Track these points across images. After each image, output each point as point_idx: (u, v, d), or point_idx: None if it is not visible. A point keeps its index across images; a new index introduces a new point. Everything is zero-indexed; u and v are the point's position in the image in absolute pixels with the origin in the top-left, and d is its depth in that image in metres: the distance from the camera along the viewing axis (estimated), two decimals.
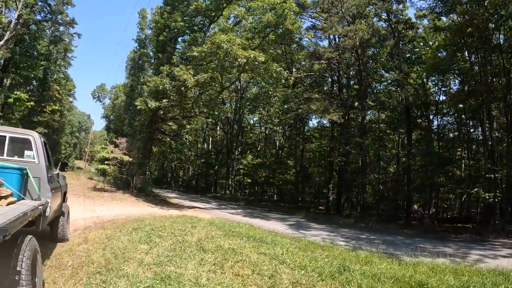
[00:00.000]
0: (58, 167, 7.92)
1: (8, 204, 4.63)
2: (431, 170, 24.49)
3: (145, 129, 26.98)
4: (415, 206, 29.07)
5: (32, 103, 32.58)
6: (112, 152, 25.96)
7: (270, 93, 34.75)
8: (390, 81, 30.09)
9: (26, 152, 6.13)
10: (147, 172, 36.95)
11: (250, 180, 40.72)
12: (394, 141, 31.98)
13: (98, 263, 6.32)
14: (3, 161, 5.60)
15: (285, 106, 34.00)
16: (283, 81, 29.25)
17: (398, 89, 27.43)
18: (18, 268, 3.67)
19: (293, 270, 6.44)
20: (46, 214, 5.81)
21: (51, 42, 42.47)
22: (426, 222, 23.03)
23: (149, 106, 21.83)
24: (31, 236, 4.28)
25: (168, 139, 33.90)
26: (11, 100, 30.01)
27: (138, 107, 23.46)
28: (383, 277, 6.18)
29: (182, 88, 21.13)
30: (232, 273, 6.15)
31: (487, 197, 19.80)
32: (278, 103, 35.92)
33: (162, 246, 7.76)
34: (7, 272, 3.62)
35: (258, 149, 47.17)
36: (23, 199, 5.45)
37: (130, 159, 25.05)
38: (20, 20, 27.66)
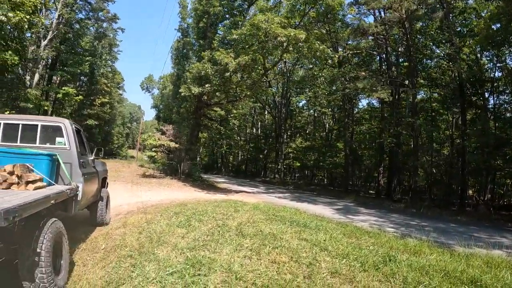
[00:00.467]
0: (94, 153, 7.94)
1: (36, 188, 4.85)
2: (487, 152, 22.29)
3: (191, 115, 27.07)
4: (470, 192, 27.15)
5: (80, 97, 33.33)
6: (159, 139, 26.10)
7: (316, 73, 34.03)
8: (441, 56, 27.87)
9: (58, 139, 6.26)
10: (198, 158, 36.99)
11: (299, 164, 40.06)
12: (448, 122, 29.95)
13: (131, 246, 6.32)
14: (35, 149, 5.88)
15: (333, 88, 33.20)
16: (329, 61, 28.33)
17: (450, 63, 25.32)
18: (38, 250, 3.92)
19: (333, 258, 6.10)
20: (78, 199, 6.05)
21: (96, 38, 44.22)
22: (481, 209, 21.26)
23: (193, 92, 21.88)
24: (54, 219, 4.54)
25: (216, 125, 34.00)
26: (60, 95, 31.26)
27: (182, 94, 23.42)
28: (432, 270, 5.65)
29: (224, 72, 20.73)
30: (268, 259, 5.86)
31: None
32: (324, 84, 35.15)
33: (200, 230, 7.62)
34: (28, 254, 3.88)
35: (307, 132, 46.53)
36: (53, 184, 5.62)
37: (177, 146, 25.18)
38: (61, 20, 28.64)
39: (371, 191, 33.60)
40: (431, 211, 19.65)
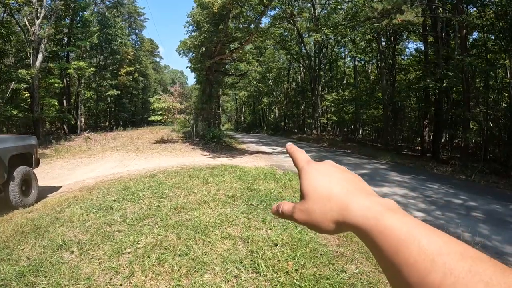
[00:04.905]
0: None
1: None
2: None
3: (202, 72, 24.82)
4: None
5: (92, 69, 32.92)
6: (164, 101, 24.37)
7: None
8: None
9: None
10: (220, 117, 34.93)
11: (336, 118, 36.20)
12: (507, 67, 23.82)
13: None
14: None
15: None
16: None
17: None
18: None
19: None
20: None
21: (108, 8, 44.60)
22: None
23: (187, 43, 20.85)
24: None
25: (231, 80, 31.89)
26: (70, 70, 30.04)
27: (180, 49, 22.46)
28: None
29: (213, 16, 18.84)
30: None
31: None
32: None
33: (106, 218, 6.32)
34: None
35: (344, 82, 42.67)
36: None
37: (182, 106, 23.47)
38: None
39: (417, 148, 29.22)
40: (485, 178, 14.74)
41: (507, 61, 21.15)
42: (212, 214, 6.50)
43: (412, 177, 14.15)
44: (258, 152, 20.94)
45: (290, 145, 0.75)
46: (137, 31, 61.87)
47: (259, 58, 30.86)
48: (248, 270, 4.31)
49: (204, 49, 22.24)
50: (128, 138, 27.97)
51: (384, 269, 0.45)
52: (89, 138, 25.84)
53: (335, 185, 0.57)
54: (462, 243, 0.41)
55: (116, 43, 43.65)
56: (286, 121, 53.10)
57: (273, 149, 23.26)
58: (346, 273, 4.32)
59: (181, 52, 24.28)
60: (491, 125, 20.87)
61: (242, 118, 72.33)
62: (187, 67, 44.88)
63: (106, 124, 46.21)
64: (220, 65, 25.85)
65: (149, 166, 14.11)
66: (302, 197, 0.60)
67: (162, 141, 24.11)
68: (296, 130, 47.08)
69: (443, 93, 22.64)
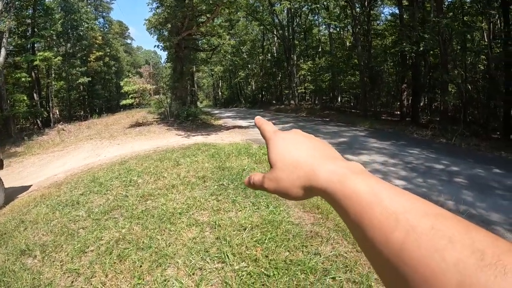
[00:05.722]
0: None
1: None
2: None
3: (171, 50, 24.23)
4: None
5: (60, 58, 31.95)
6: (134, 83, 23.48)
7: None
8: None
9: None
10: (191, 94, 34.36)
11: (312, 87, 35.93)
12: (483, 30, 23.66)
13: None
14: None
15: None
16: None
17: None
18: None
19: None
20: None
21: None
22: None
23: (152, 21, 20.52)
24: None
25: (204, 55, 31.25)
26: (37, 62, 28.74)
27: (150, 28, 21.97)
28: None
29: None
30: None
31: None
32: None
33: (71, 215, 5.95)
34: None
35: (319, 50, 41.99)
36: None
37: (153, 87, 22.69)
38: None
39: (397, 113, 28.99)
40: (466, 141, 14.45)
41: (484, 24, 20.97)
42: (180, 199, 6.19)
43: (392, 143, 13.88)
44: (234, 127, 20.59)
45: (257, 118, 0.76)
46: (104, 13, 60.08)
47: (230, 31, 30.11)
48: (214, 260, 4.02)
49: (170, 25, 21.53)
50: (103, 125, 27.27)
51: (352, 230, 0.46)
52: (63, 130, 25.12)
53: (301, 153, 0.58)
54: (426, 201, 0.42)
55: (82, 28, 42.05)
56: (263, 93, 52.87)
57: (250, 122, 22.75)
58: (320, 256, 4.00)
59: (152, 31, 23.59)
60: (470, 87, 20.67)
61: (220, 93, 71.53)
62: (154, 46, 43.74)
63: (81, 113, 45.04)
64: (190, 41, 24.95)
65: (121, 152, 13.62)
66: (271, 166, 0.61)
67: (137, 124, 23.47)
68: (274, 102, 46.88)
69: (420, 56, 22.36)
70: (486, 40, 20.48)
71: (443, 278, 0.33)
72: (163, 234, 4.79)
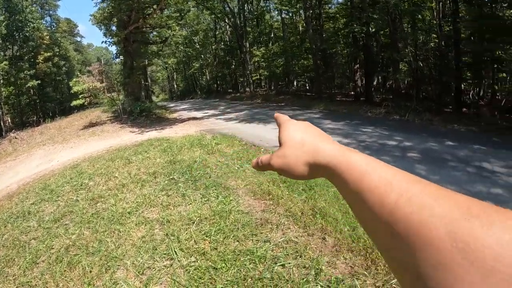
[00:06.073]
0: None
1: None
2: (487, 39, 16.76)
3: (120, 45, 23.59)
4: (465, 87, 21.25)
5: (5, 62, 31.31)
6: (84, 82, 22.51)
7: None
8: None
9: None
10: (143, 88, 33.64)
11: (266, 73, 36.09)
12: (434, 9, 24.09)
13: None
14: None
15: None
16: None
17: None
18: None
19: None
20: None
21: None
22: (484, 113, 15.93)
23: (97, 17, 19.95)
24: None
25: (155, 48, 30.78)
26: None
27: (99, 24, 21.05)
28: None
29: None
30: None
31: None
32: None
33: (22, 226, 5.72)
34: None
35: (272, 36, 42.24)
36: None
37: (103, 85, 21.96)
38: None
39: (351, 93, 28.90)
40: (419, 116, 14.87)
41: (433, 4, 21.47)
42: (130, 198, 6.06)
43: (346, 123, 14.06)
44: (189, 119, 20.31)
45: (276, 114, 0.80)
46: (51, 12, 57.90)
47: (180, 22, 29.60)
48: (162, 258, 3.94)
49: (115, 19, 20.92)
50: (56, 129, 26.20)
51: (349, 198, 0.51)
52: (15, 138, 24.12)
53: (308, 135, 0.65)
54: (409, 173, 0.47)
55: (28, 29, 40.07)
56: (218, 82, 52.57)
57: (205, 113, 22.68)
58: (270, 243, 3.96)
59: (100, 27, 22.91)
60: (422, 65, 21.24)
61: (175, 86, 70.42)
62: (102, 42, 42.60)
63: (34, 118, 43.32)
64: (138, 35, 24.30)
65: (74, 155, 13.20)
66: (280, 145, 0.68)
67: (91, 125, 22.68)
68: (230, 90, 46.66)
69: (371, 37, 22.68)
70: (437, 19, 20.99)
71: (433, 229, 0.36)
72: (113, 236, 4.67)
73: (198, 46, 50.13)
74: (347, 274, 3.37)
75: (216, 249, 3.93)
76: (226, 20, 42.08)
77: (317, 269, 3.40)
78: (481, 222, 0.34)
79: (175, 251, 3.97)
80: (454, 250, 0.34)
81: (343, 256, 3.64)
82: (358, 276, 3.31)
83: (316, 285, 3.21)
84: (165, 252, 4.03)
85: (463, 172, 6.77)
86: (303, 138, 0.64)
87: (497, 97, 20.63)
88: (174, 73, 68.32)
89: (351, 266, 3.50)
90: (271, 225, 4.43)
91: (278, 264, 3.53)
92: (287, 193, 5.53)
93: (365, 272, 3.37)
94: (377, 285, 3.21)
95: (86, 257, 4.17)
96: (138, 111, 21.53)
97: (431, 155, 8.18)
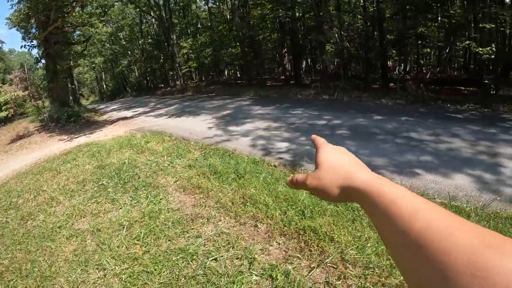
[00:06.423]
0: None
1: None
2: (410, 16, 18.12)
3: (40, 48, 22.25)
4: (390, 64, 22.12)
5: None
6: (6, 93, 21.11)
7: None
8: None
9: None
10: (72, 91, 32.36)
11: (196, 64, 35.89)
12: None
13: None
14: None
15: None
16: None
17: None
18: None
19: None
20: None
21: None
22: (410, 86, 16.29)
23: (13, 20, 19.30)
24: None
25: (80, 48, 29.39)
26: None
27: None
28: None
29: None
30: None
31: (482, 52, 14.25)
32: None
33: None
34: None
35: (199, 26, 41.86)
36: None
37: (25, 93, 20.52)
38: None
39: (281, 78, 29.25)
40: (348, 94, 15.43)
41: None
42: (59, 211, 5.68)
43: (276, 107, 14.18)
44: (119, 119, 19.68)
45: (313, 136, 0.85)
46: None
47: (102, 18, 28.45)
48: (95, 269, 3.74)
49: (33, 21, 19.77)
50: None
51: (379, 223, 0.54)
52: None
53: (343, 160, 0.70)
54: (431, 202, 0.51)
55: None
56: (148, 78, 51.52)
57: (135, 111, 22.10)
58: (202, 238, 3.89)
59: (19, 30, 21.57)
60: (348, 45, 21.80)
61: (105, 86, 68.07)
62: (21, 47, 40.29)
63: None
64: (60, 35, 23.05)
65: (2, 174, 12.06)
66: (316, 167, 0.72)
67: (18, 137, 20.98)
68: (161, 86, 45.81)
69: (297, 20, 22.89)
70: (361, 0, 21.67)
71: (456, 256, 0.39)
72: (45, 254, 4.38)
73: (124, 42, 48.75)
74: (281, 259, 3.37)
75: (148, 252, 3.81)
76: (152, 13, 41.06)
77: (250, 258, 3.36)
78: (495, 251, 0.38)
79: (107, 261, 3.81)
80: (473, 276, 0.37)
81: (276, 242, 3.63)
82: (292, 260, 3.31)
83: (251, 275, 3.18)
84: (97, 263, 3.85)
85: (392, 143, 7.00)
86: (339, 162, 0.69)
87: (423, 71, 21.77)
88: (103, 73, 65.95)
89: (285, 251, 3.49)
90: (202, 219, 4.36)
91: (211, 258, 3.46)
92: (217, 184, 5.46)
93: (299, 255, 3.38)
94: (312, 266, 3.23)
95: (21, 281, 3.91)
96: (66, 117, 20.47)
97: (360, 131, 8.41)
